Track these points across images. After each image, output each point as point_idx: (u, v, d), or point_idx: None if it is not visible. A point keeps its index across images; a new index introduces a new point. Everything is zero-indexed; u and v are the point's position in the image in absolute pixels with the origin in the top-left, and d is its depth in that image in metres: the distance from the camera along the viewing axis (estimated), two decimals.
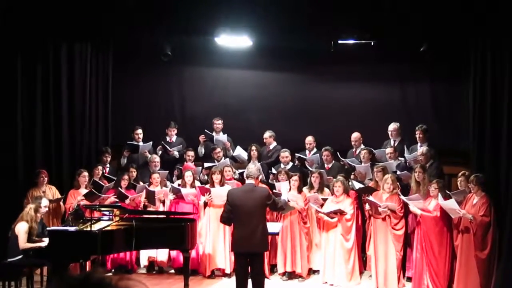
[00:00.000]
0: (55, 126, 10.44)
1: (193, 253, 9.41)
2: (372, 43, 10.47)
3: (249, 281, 7.72)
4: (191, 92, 12.13)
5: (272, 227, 8.19)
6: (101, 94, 11.04)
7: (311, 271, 9.71)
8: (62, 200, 9.71)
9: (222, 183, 9.73)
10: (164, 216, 9.47)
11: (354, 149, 10.69)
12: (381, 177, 9.29)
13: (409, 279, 9.27)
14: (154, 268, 10.03)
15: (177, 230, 8.67)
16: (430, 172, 9.38)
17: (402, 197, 9.07)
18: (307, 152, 10.79)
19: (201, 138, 11.19)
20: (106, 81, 11.13)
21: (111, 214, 8.94)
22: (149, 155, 10.71)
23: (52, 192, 9.74)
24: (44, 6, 9.78)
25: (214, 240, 9.63)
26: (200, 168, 10.63)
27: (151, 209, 9.87)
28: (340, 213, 9.18)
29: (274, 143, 11.07)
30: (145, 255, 9.91)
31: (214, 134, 11.15)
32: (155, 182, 10.04)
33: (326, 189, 9.69)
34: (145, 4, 9.84)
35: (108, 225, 8.56)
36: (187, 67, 12.12)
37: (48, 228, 8.54)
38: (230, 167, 10.14)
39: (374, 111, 11.30)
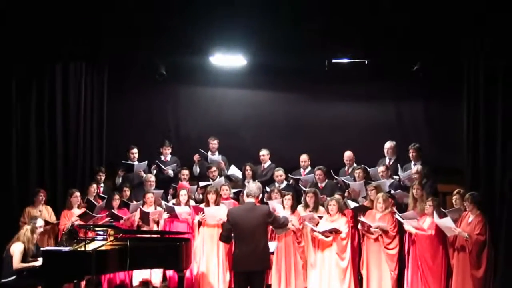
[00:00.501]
0: (50, 145, 10.42)
1: (187, 273, 9.36)
2: (366, 62, 10.52)
3: None
4: (186, 111, 12.14)
5: None
6: (95, 113, 11.02)
7: None
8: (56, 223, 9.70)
9: (217, 203, 9.69)
10: (159, 235, 9.42)
11: (346, 168, 10.71)
12: (375, 195, 9.31)
13: None
14: (149, 287, 9.97)
15: (172, 250, 8.61)
16: (425, 190, 9.39)
17: (397, 214, 9.07)
18: (301, 170, 10.79)
19: (196, 157, 11.18)
20: (101, 100, 11.11)
21: (105, 234, 8.88)
22: (144, 175, 10.68)
23: (48, 212, 9.72)
24: (39, 26, 9.82)
25: (208, 259, 9.58)
26: (195, 187, 10.61)
27: (145, 229, 9.82)
28: (335, 232, 9.17)
29: (269, 162, 11.08)
30: (137, 277, 9.83)
31: (209, 153, 11.15)
32: (149, 201, 9.99)
33: (321, 208, 9.67)
34: (140, 24, 9.88)
35: (102, 245, 8.51)
36: (182, 86, 12.14)
37: (42, 248, 8.48)
38: (228, 186, 10.12)
39: (369, 129, 11.34)
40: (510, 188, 9.02)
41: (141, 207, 9.89)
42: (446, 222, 8.62)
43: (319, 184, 10.35)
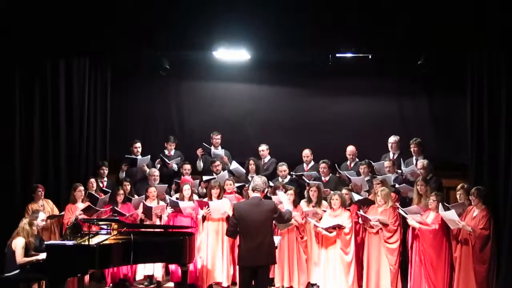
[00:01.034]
0: (53, 140, 10.42)
1: (191, 267, 9.38)
2: (370, 57, 10.51)
3: None
4: (189, 106, 12.14)
5: None
6: (99, 108, 11.05)
7: (310, 285, 9.66)
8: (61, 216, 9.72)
9: (220, 197, 9.71)
10: (163, 230, 9.44)
11: (349, 162, 10.72)
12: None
13: None
14: (152, 281, 9.98)
15: (175, 244, 8.63)
16: (429, 186, 9.39)
17: (401, 209, 9.07)
18: (304, 165, 10.81)
19: (199, 151, 11.20)
20: (104, 95, 11.15)
21: (109, 228, 8.91)
22: (148, 169, 10.70)
23: (49, 206, 9.73)
24: (42, 22, 9.81)
25: (213, 254, 9.60)
26: (198, 180, 10.61)
27: (148, 223, 9.84)
28: (338, 227, 9.17)
29: (269, 156, 11.09)
30: (140, 273, 9.86)
31: (212, 148, 11.15)
32: (151, 196, 10.01)
33: (324, 202, 9.68)
34: (143, 18, 9.87)
35: (106, 239, 8.53)
36: (185, 81, 12.14)
37: (46, 243, 8.49)
38: (231, 180, 10.13)
39: (372, 124, 11.34)
40: None
41: (144, 201, 9.91)
42: (451, 215, 8.62)
43: (323, 178, 10.35)
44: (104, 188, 10.42)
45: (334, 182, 10.31)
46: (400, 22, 9.47)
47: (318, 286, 9.44)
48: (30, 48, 10.01)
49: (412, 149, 10.28)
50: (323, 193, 9.81)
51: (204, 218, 9.71)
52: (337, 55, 10.52)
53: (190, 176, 10.65)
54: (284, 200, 8.29)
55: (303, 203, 9.74)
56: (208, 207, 9.57)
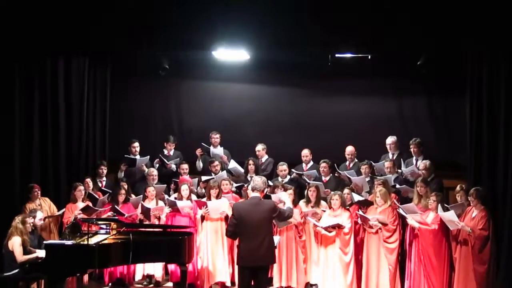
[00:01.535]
0: (53, 139, 10.42)
1: (190, 267, 9.37)
2: (369, 57, 10.50)
3: None
4: (188, 106, 12.14)
5: None
6: (98, 108, 11.03)
7: (309, 285, 9.66)
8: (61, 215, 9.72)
9: (219, 197, 9.71)
10: (162, 229, 9.43)
11: (348, 162, 10.71)
12: None
13: None
14: (151, 281, 9.98)
15: (174, 244, 8.64)
16: (431, 186, 9.38)
17: (399, 208, 9.07)
18: (303, 165, 10.80)
19: (198, 151, 11.20)
20: (103, 95, 11.12)
21: (108, 227, 8.90)
22: (146, 169, 10.69)
23: (47, 204, 9.73)
24: (41, 21, 9.81)
25: (213, 253, 9.59)
26: (197, 180, 10.60)
27: (147, 223, 9.83)
28: (338, 227, 9.17)
29: (266, 156, 11.09)
30: (140, 272, 9.86)
31: (211, 147, 11.15)
32: (150, 195, 10.01)
33: (323, 202, 9.67)
34: (142, 18, 9.87)
35: (105, 239, 8.53)
36: (185, 81, 12.14)
37: (45, 242, 8.49)
38: (228, 180, 10.12)
39: (371, 124, 11.34)
40: None
41: (142, 202, 9.91)
42: (450, 216, 8.62)
43: (323, 178, 10.35)
44: (103, 188, 10.41)
45: (334, 182, 10.30)
46: (400, 22, 9.48)
47: (318, 286, 9.45)
48: (30, 48, 10.02)
49: (412, 149, 10.28)
50: (322, 193, 9.81)
51: (203, 218, 9.70)
52: (337, 55, 10.54)
53: (189, 175, 10.65)
54: (285, 199, 8.27)
55: (302, 203, 9.74)
56: (207, 207, 9.57)
